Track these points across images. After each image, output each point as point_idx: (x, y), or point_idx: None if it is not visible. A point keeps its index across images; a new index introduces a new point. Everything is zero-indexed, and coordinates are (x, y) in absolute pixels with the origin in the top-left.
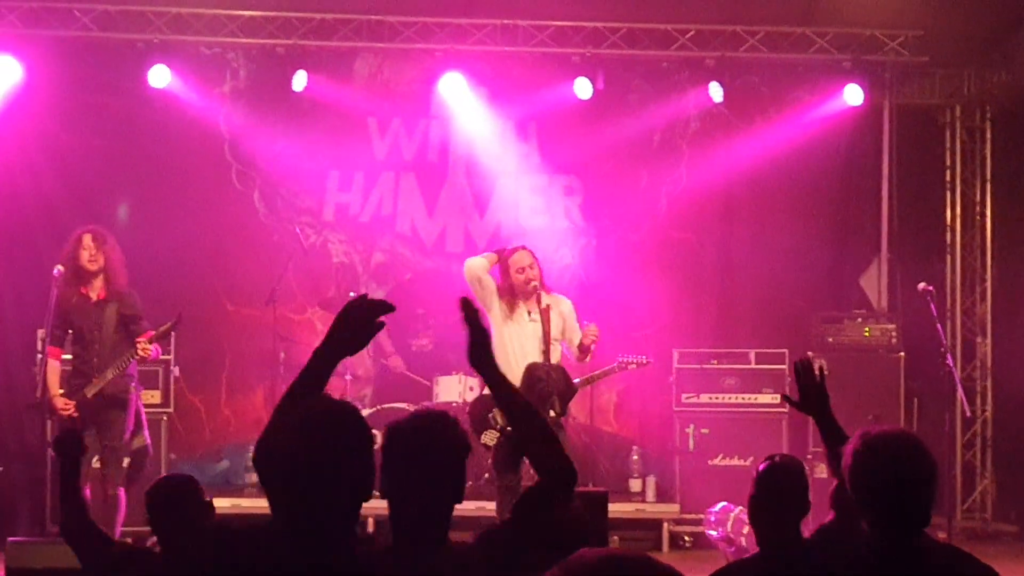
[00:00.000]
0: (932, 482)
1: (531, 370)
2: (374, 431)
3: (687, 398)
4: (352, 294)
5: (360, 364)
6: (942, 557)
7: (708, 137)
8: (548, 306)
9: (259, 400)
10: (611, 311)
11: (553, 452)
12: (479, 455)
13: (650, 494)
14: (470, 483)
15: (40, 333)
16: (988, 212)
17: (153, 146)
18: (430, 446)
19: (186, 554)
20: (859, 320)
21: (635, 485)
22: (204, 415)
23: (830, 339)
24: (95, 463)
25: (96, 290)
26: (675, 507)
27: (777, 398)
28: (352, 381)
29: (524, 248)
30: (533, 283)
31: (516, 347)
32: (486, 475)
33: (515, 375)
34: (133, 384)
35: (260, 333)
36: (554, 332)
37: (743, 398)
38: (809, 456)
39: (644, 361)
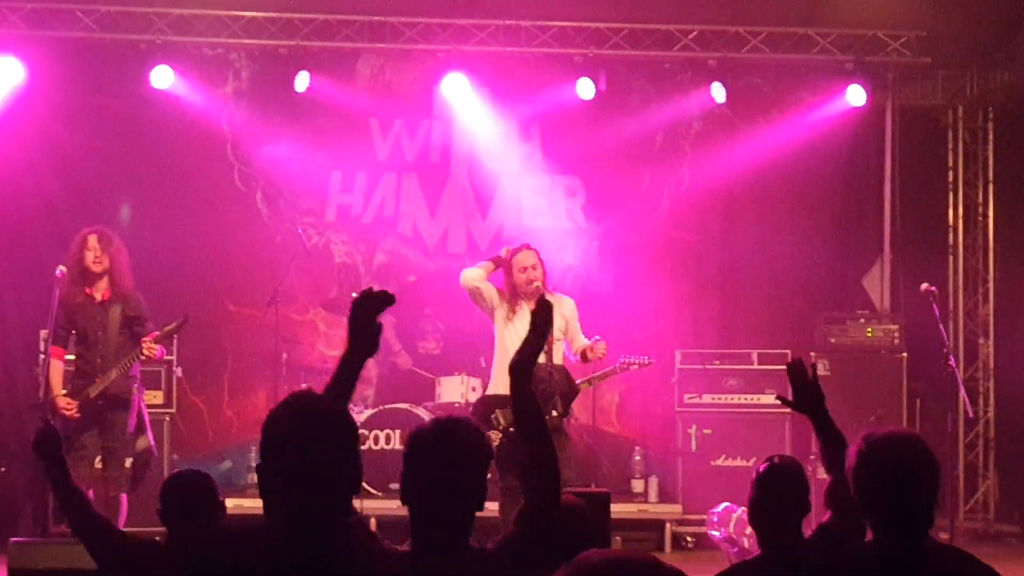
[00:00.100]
0: (935, 483)
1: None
2: (376, 432)
3: (689, 399)
4: (354, 295)
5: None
6: (944, 558)
7: (710, 138)
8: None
9: (261, 400)
10: (613, 311)
11: (544, 481)
12: None
13: (652, 495)
14: None
15: (42, 334)
16: (990, 213)
17: (155, 147)
18: (452, 453)
19: (191, 550)
20: (862, 321)
21: (637, 486)
22: (206, 416)
23: (833, 340)
24: (96, 463)
25: (101, 291)
26: (677, 508)
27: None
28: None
29: (529, 248)
30: (535, 283)
31: (519, 347)
32: (488, 475)
33: None
34: (135, 385)
35: (262, 334)
36: (556, 333)
37: (745, 399)
38: (812, 457)
39: (646, 362)
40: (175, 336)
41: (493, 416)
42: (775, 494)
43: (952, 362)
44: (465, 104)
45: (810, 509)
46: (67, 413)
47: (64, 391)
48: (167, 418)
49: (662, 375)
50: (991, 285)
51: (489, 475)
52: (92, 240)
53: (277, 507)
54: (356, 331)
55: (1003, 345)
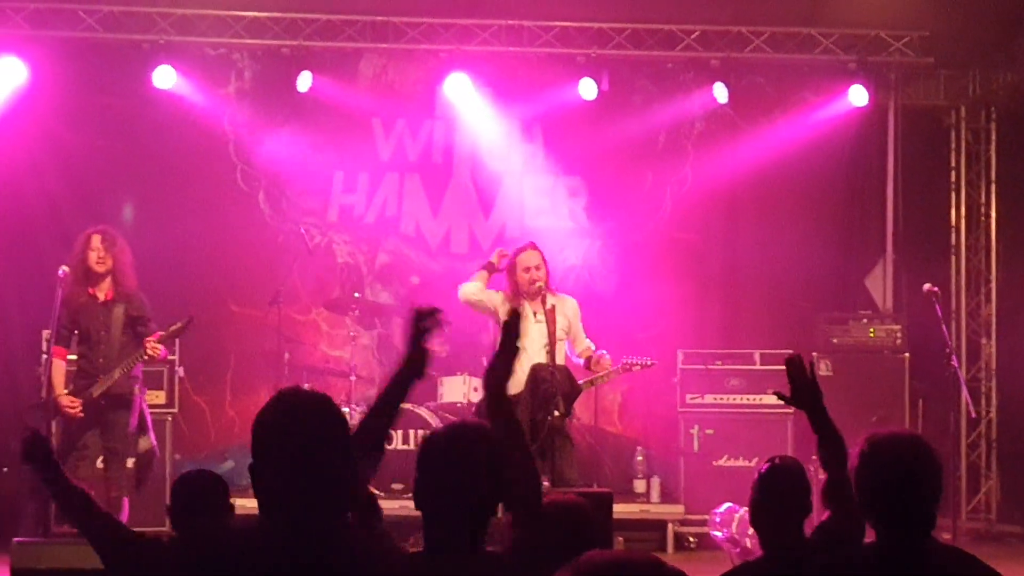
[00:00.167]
0: (937, 484)
1: (536, 371)
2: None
3: (692, 399)
4: (356, 295)
5: (365, 365)
6: (946, 559)
7: (713, 138)
8: (553, 307)
9: (263, 401)
10: (615, 311)
11: (526, 489)
12: None
13: (655, 495)
14: None
15: (45, 334)
16: (993, 213)
17: (158, 147)
18: (465, 458)
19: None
20: (864, 321)
21: (639, 486)
22: (209, 416)
23: (835, 340)
24: (98, 464)
25: (104, 291)
26: (680, 508)
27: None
28: (357, 382)
29: (533, 248)
30: (538, 283)
31: (521, 347)
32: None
33: (520, 375)
34: (138, 385)
35: (264, 334)
36: (559, 333)
37: (748, 399)
38: (814, 457)
39: (648, 363)
40: (179, 336)
41: None
42: (776, 495)
43: (954, 362)
44: (468, 104)
45: (812, 510)
46: (70, 412)
47: (66, 391)
48: (169, 418)
49: (664, 375)
50: (993, 285)
51: None
52: (96, 240)
53: (271, 507)
54: (413, 349)
55: (1005, 345)
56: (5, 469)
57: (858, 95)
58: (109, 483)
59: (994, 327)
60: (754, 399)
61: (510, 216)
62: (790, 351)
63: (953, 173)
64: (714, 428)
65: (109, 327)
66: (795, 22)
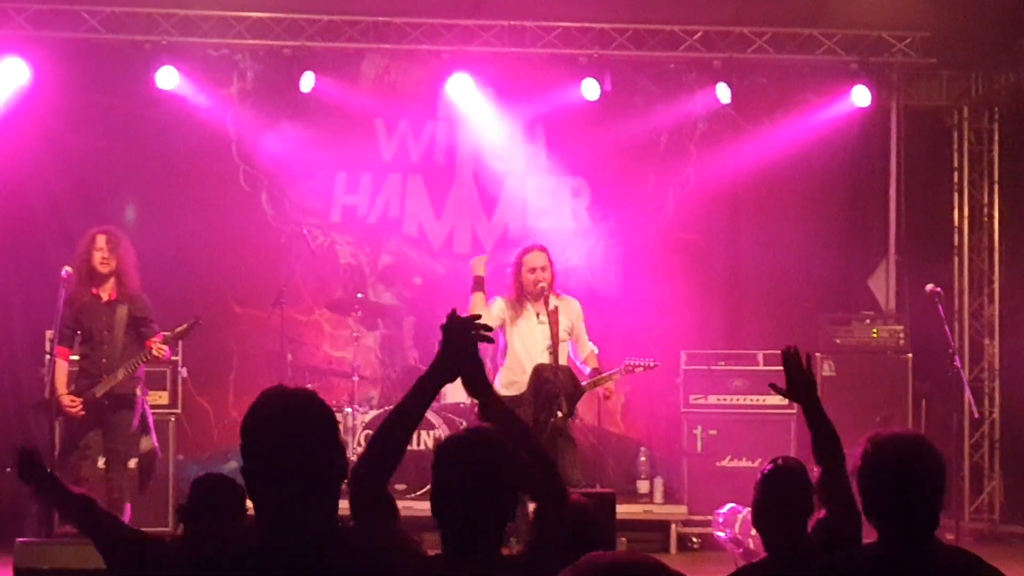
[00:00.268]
0: (940, 484)
1: (539, 371)
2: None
3: (695, 399)
4: (359, 296)
5: (367, 366)
6: (950, 559)
7: (715, 138)
8: (556, 308)
9: None
10: (618, 312)
11: (544, 476)
12: None
13: (658, 495)
14: None
15: (48, 334)
16: (995, 214)
17: (160, 147)
18: (480, 464)
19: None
20: (867, 321)
21: (643, 487)
22: (212, 416)
23: (838, 340)
24: (99, 464)
25: (107, 291)
26: (683, 509)
27: (785, 399)
28: (359, 382)
29: (541, 249)
30: (541, 284)
31: (524, 348)
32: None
33: (523, 377)
34: (140, 386)
35: (267, 334)
36: (562, 334)
37: (751, 399)
38: None
39: (651, 364)
40: (184, 338)
41: None
42: (779, 495)
43: (957, 363)
44: (470, 105)
45: (815, 510)
46: (72, 411)
47: (68, 391)
48: (172, 419)
49: (667, 376)
50: (996, 286)
51: None
52: (100, 240)
53: (264, 507)
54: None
55: (1008, 346)
56: (8, 469)
57: (860, 96)
58: (111, 484)
59: (997, 327)
60: (757, 400)
61: (513, 217)
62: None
63: (956, 174)
64: (717, 429)
65: (112, 327)
66: (797, 23)
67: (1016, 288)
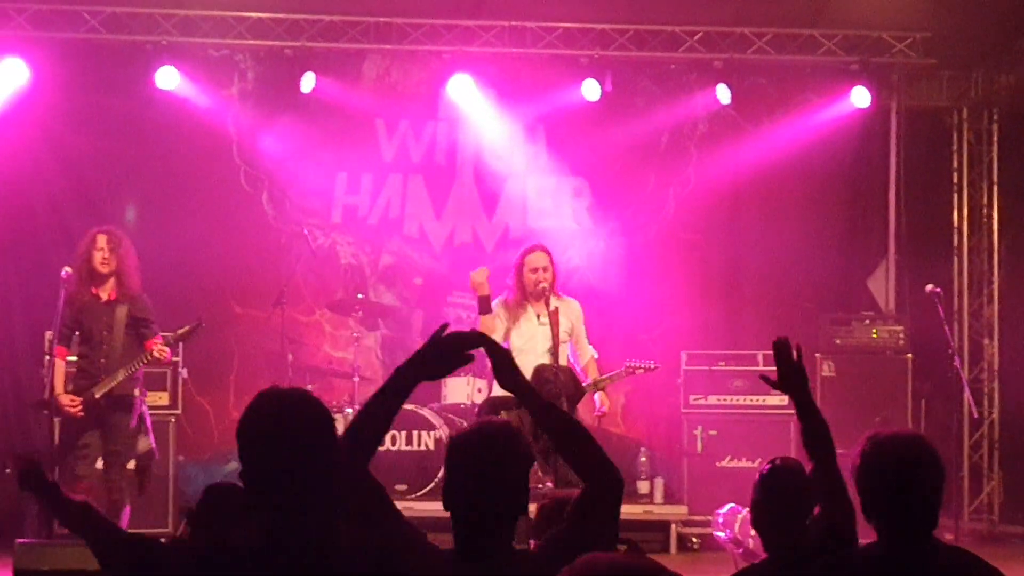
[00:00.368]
0: (939, 484)
1: (539, 371)
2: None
3: (695, 400)
4: (360, 296)
5: (368, 366)
6: (950, 559)
7: (716, 139)
8: (556, 309)
9: None
10: (619, 313)
11: (595, 458)
12: None
13: (658, 496)
14: None
15: (48, 335)
16: (995, 214)
17: (161, 148)
18: (493, 458)
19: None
20: (867, 322)
21: (643, 487)
22: (212, 417)
23: (838, 341)
24: (98, 464)
25: (107, 291)
26: (683, 509)
27: (785, 399)
28: (360, 383)
29: (543, 250)
30: (542, 285)
31: (525, 349)
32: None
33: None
34: (138, 387)
35: (268, 335)
36: (562, 335)
37: (751, 400)
38: None
39: (652, 366)
40: (186, 340)
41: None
42: (778, 496)
43: (957, 363)
44: (471, 105)
45: (813, 510)
46: (71, 411)
47: (66, 390)
48: (172, 419)
49: (668, 376)
50: (995, 286)
51: None
52: (101, 240)
53: (263, 508)
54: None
55: (1008, 346)
56: (8, 470)
57: (860, 96)
58: (110, 485)
59: (996, 328)
60: (757, 400)
61: (513, 217)
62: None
63: (955, 174)
64: (717, 429)
65: (112, 327)
66: (797, 23)
67: (1016, 288)
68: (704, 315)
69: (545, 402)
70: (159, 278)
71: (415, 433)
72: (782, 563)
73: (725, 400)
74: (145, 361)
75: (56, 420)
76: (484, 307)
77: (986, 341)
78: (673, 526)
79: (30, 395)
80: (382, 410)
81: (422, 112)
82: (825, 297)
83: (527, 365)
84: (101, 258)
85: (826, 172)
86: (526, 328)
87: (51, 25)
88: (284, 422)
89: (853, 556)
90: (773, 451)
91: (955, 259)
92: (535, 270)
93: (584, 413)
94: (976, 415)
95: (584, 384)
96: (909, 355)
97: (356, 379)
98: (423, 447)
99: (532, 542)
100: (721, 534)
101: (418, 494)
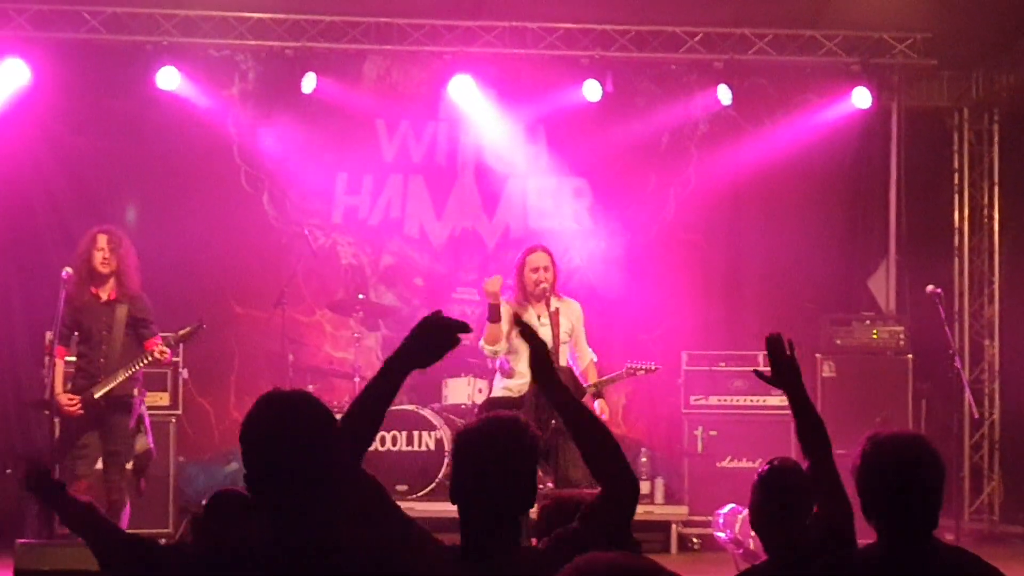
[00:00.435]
0: (940, 485)
1: None
2: (383, 433)
3: (696, 400)
4: (360, 296)
5: (368, 367)
6: (950, 559)
7: (716, 140)
8: (557, 310)
9: None
10: (619, 313)
11: (617, 464)
12: None
13: (659, 496)
14: None
15: (48, 335)
16: (996, 215)
17: (161, 148)
18: (501, 451)
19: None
20: (867, 322)
21: (644, 487)
22: (213, 417)
23: (838, 341)
24: (97, 465)
25: (107, 291)
26: (684, 509)
27: (786, 400)
28: (360, 383)
29: (544, 250)
30: (542, 285)
31: (525, 350)
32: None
33: (524, 377)
34: (137, 387)
35: (269, 335)
36: (562, 336)
37: (752, 400)
38: None
39: (652, 368)
40: (187, 342)
41: None
42: (776, 496)
43: (957, 363)
44: (472, 106)
45: (812, 510)
46: (70, 411)
47: (65, 390)
48: (173, 420)
49: (668, 376)
50: (996, 287)
51: None
52: (102, 240)
53: (268, 510)
54: (427, 345)
55: (1008, 346)
56: (8, 471)
57: (861, 97)
58: (110, 486)
59: (997, 328)
60: (758, 400)
61: (514, 218)
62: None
63: (956, 175)
64: (718, 429)
65: (111, 327)
66: (798, 24)
67: (1016, 289)
68: (705, 315)
69: (576, 402)
70: (160, 278)
71: (415, 433)
72: (782, 564)
73: (726, 400)
74: (145, 362)
75: (56, 420)
76: (494, 315)
77: (987, 341)
78: (674, 526)
79: (30, 395)
80: (375, 403)
81: (423, 112)
82: (826, 297)
83: (527, 366)
84: (101, 258)
85: (827, 172)
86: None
87: (51, 25)
88: (287, 425)
89: (853, 556)
90: (774, 451)
91: (956, 259)
92: (536, 270)
93: None
94: (977, 415)
95: (585, 386)
96: (910, 355)
97: (357, 379)
98: (424, 447)
99: (534, 540)
100: (722, 534)
101: (419, 494)
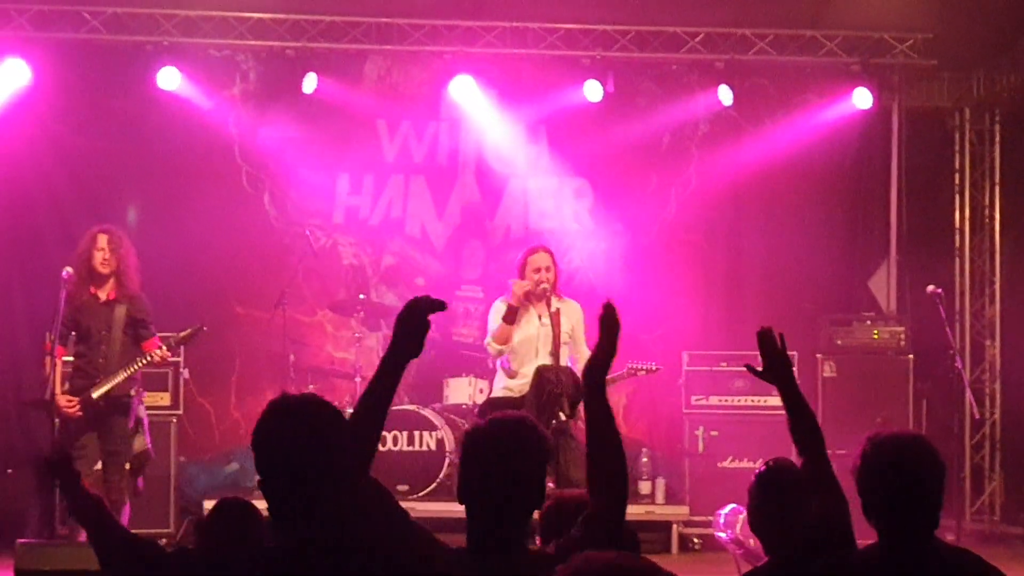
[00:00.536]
0: (940, 485)
1: (541, 372)
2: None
3: (696, 400)
4: (362, 297)
5: (370, 367)
6: (951, 559)
7: (717, 140)
8: (558, 310)
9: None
10: (620, 313)
11: (618, 476)
12: None
13: (659, 496)
14: None
15: (49, 336)
16: (997, 215)
17: (162, 149)
18: (509, 450)
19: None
20: (868, 322)
21: (644, 487)
22: (213, 418)
23: (839, 341)
24: (96, 465)
25: (107, 291)
26: (684, 509)
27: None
28: (361, 383)
29: (545, 250)
30: (543, 285)
31: (526, 349)
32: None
33: (525, 377)
34: (136, 387)
35: (270, 336)
36: (563, 336)
37: (752, 400)
38: None
39: (653, 368)
40: (187, 343)
41: None
42: (774, 496)
43: (958, 364)
44: (473, 106)
45: (810, 509)
46: (69, 411)
47: (63, 390)
48: (174, 420)
49: (669, 377)
50: (997, 287)
51: None
52: (102, 240)
53: (281, 516)
54: (406, 332)
55: (1009, 347)
56: (9, 471)
57: (862, 97)
58: (110, 487)
59: (998, 328)
60: (759, 400)
61: (515, 218)
62: (794, 352)
63: (957, 175)
64: (719, 429)
65: (111, 327)
66: (799, 24)
67: (1017, 289)
68: (705, 315)
69: (607, 406)
70: (160, 279)
71: (416, 434)
72: (783, 564)
73: (726, 401)
74: (145, 363)
75: (56, 420)
76: (510, 317)
77: (988, 342)
78: (674, 526)
79: (30, 395)
80: (376, 404)
81: (424, 113)
82: (826, 297)
83: (528, 366)
84: (102, 258)
85: (827, 173)
86: (527, 328)
87: (52, 25)
88: (300, 430)
89: (854, 556)
90: (775, 452)
91: (956, 260)
92: (537, 270)
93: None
94: (977, 416)
95: None
96: (910, 356)
97: (358, 380)
98: (425, 448)
99: (539, 539)
100: (722, 535)
101: (420, 494)
